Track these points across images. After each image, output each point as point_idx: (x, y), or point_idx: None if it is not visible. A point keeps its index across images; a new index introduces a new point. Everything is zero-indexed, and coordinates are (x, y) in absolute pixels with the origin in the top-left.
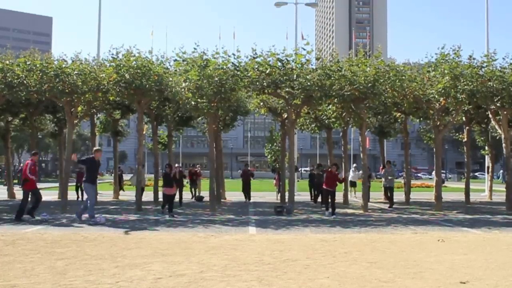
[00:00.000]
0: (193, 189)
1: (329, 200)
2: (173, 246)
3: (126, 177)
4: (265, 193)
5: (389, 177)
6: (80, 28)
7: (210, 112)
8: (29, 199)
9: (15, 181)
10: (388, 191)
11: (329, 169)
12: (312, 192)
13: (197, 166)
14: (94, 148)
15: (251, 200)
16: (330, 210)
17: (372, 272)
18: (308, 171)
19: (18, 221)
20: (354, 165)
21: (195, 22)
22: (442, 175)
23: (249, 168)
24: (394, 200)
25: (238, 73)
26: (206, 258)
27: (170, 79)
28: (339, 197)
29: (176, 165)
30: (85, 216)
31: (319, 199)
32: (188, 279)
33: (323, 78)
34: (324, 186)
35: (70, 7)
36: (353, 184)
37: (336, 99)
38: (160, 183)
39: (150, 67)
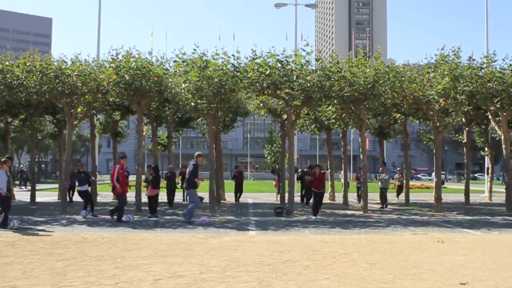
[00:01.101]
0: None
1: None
2: (173, 247)
3: (131, 178)
4: (265, 194)
5: (384, 179)
6: (80, 29)
7: (210, 113)
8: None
9: (17, 182)
10: (382, 191)
11: (313, 171)
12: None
13: None
14: (196, 153)
15: (251, 201)
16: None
17: (372, 273)
18: (299, 173)
19: (120, 222)
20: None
21: (195, 23)
22: (442, 176)
23: (240, 170)
24: (392, 201)
25: (238, 74)
26: (206, 259)
27: (170, 80)
28: (339, 197)
29: (169, 165)
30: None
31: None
32: (188, 280)
33: (323, 79)
34: (313, 189)
35: (70, 8)
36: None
37: (335, 100)
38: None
39: (150, 68)
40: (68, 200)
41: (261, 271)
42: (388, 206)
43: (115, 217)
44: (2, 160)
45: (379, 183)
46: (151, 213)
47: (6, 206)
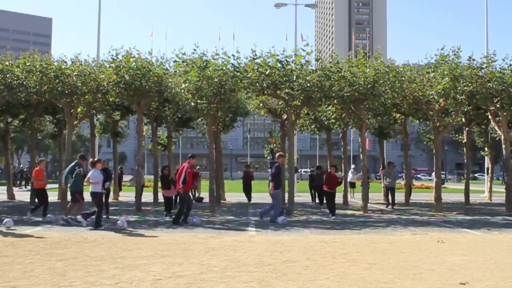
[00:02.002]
0: (192, 190)
1: (330, 201)
2: (173, 247)
3: (126, 178)
4: (265, 194)
5: (389, 179)
6: (79, 29)
7: (209, 113)
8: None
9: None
10: (390, 191)
11: (328, 171)
12: (313, 194)
13: (197, 167)
14: (278, 153)
15: (251, 201)
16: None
17: (372, 273)
18: (308, 172)
19: (176, 224)
20: (353, 166)
21: (194, 23)
22: (442, 176)
23: (250, 170)
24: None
25: (238, 74)
26: (206, 259)
27: (170, 80)
28: (339, 198)
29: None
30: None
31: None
32: (188, 280)
33: (323, 79)
34: (324, 188)
35: (70, 8)
36: (352, 185)
37: (335, 100)
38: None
39: (149, 68)
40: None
41: (261, 271)
42: (394, 207)
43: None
44: (96, 160)
45: (385, 182)
46: (168, 213)
47: (102, 204)
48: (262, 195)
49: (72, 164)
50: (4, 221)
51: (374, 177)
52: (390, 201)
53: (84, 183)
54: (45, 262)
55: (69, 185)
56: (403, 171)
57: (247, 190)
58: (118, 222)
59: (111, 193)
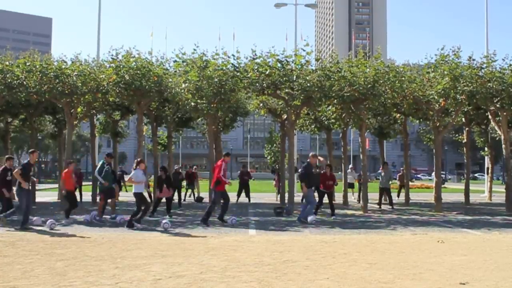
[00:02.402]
0: (190, 190)
1: (329, 201)
2: (172, 247)
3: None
4: (264, 194)
5: (384, 179)
6: (79, 29)
7: (209, 113)
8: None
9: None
10: (385, 192)
11: (323, 171)
12: None
13: (194, 167)
14: (311, 153)
15: (251, 201)
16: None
17: (371, 273)
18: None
19: (204, 224)
20: (350, 166)
21: (194, 23)
22: (442, 176)
23: (248, 170)
24: (394, 201)
25: (238, 74)
26: (206, 259)
27: (170, 80)
28: (339, 198)
29: (176, 166)
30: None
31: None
32: (187, 280)
33: (323, 79)
34: (320, 188)
35: (70, 8)
36: (351, 185)
37: (335, 100)
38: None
39: (149, 68)
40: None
41: (261, 271)
42: (393, 207)
43: (228, 221)
44: (139, 160)
45: (379, 183)
46: (169, 213)
47: (148, 204)
48: (262, 195)
49: (101, 162)
50: (48, 221)
51: (374, 177)
52: (388, 201)
53: (126, 183)
54: (45, 262)
55: (98, 184)
56: (400, 170)
57: (246, 191)
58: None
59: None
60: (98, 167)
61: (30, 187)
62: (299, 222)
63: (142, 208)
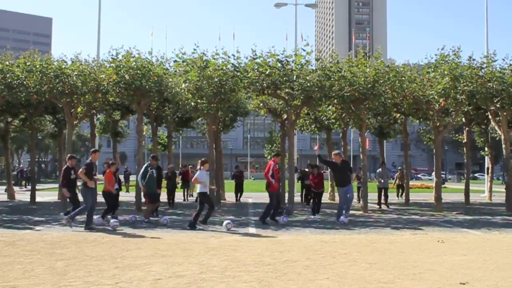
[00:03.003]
0: (185, 190)
1: (315, 200)
2: (173, 247)
3: (133, 177)
4: (265, 194)
5: (382, 179)
6: (80, 29)
7: (210, 113)
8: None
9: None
10: (383, 191)
11: (312, 172)
12: (303, 194)
13: (189, 166)
14: (334, 152)
15: (251, 201)
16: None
17: (372, 273)
18: (298, 171)
19: (263, 223)
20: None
21: (194, 22)
22: (442, 176)
23: (241, 170)
24: (392, 201)
25: (238, 74)
26: (206, 259)
27: (170, 80)
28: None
29: (170, 165)
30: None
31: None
32: (188, 280)
33: (323, 79)
34: (312, 189)
35: (70, 8)
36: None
37: (335, 100)
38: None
39: (150, 68)
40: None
41: (261, 271)
42: (389, 206)
43: (280, 220)
44: (204, 160)
45: (378, 183)
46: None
47: (212, 204)
48: (262, 195)
49: (145, 165)
50: (111, 221)
51: (374, 177)
52: (383, 201)
53: (192, 182)
54: (45, 262)
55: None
56: (398, 170)
57: (240, 190)
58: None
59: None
60: (142, 171)
61: (96, 185)
62: (343, 224)
63: (208, 208)
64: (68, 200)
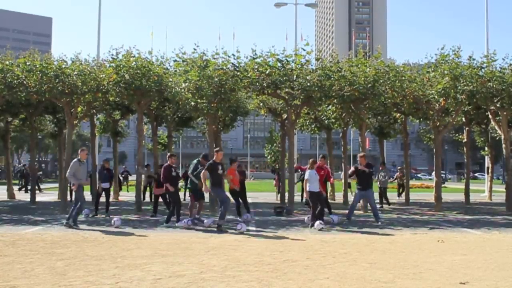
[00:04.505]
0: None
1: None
2: (173, 246)
3: (132, 178)
4: (264, 193)
5: (383, 179)
6: (80, 28)
7: (210, 113)
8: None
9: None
10: (382, 191)
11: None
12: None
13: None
14: (360, 154)
15: (251, 201)
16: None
17: (372, 272)
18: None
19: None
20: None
21: (194, 22)
22: (442, 175)
23: (242, 169)
24: (392, 201)
25: (238, 73)
26: (206, 259)
27: (170, 79)
28: (339, 197)
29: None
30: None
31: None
32: (188, 280)
33: (323, 79)
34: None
35: (70, 7)
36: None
37: (335, 100)
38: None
39: (150, 68)
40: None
41: (261, 271)
42: (390, 206)
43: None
44: (313, 160)
45: (378, 183)
46: (154, 213)
47: (322, 202)
48: (262, 194)
49: (195, 162)
50: (113, 220)
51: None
52: (384, 200)
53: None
54: (45, 262)
55: (189, 186)
56: (398, 170)
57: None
58: (113, 220)
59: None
60: (192, 167)
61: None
62: (380, 224)
63: (318, 206)
64: (167, 197)
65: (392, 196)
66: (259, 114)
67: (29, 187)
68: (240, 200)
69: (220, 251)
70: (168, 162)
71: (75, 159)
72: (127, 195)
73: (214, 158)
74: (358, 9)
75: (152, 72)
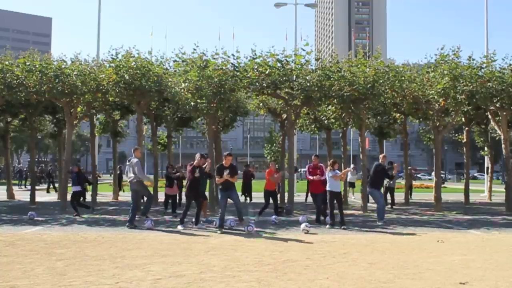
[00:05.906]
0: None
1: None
2: (172, 247)
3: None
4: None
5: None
6: (79, 28)
7: (209, 113)
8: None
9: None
10: (389, 191)
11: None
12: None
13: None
14: (382, 155)
15: (252, 201)
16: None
17: (371, 272)
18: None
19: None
20: (352, 165)
21: (194, 22)
22: (442, 176)
23: (249, 169)
24: (401, 201)
25: (238, 73)
26: (206, 259)
27: (170, 79)
28: None
29: (177, 165)
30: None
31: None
32: (187, 280)
33: (323, 79)
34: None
35: (70, 7)
36: (352, 185)
37: (335, 100)
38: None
39: (149, 68)
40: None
41: (260, 271)
42: (393, 207)
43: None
44: (334, 160)
45: (385, 183)
46: (174, 212)
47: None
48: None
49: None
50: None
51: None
52: (390, 201)
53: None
54: (45, 262)
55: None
56: (403, 170)
57: (247, 190)
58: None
59: (111, 193)
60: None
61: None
62: (381, 224)
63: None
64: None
65: (399, 196)
66: (258, 114)
67: (55, 185)
68: (271, 200)
69: (220, 251)
70: (195, 163)
71: (137, 160)
72: (127, 196)
73: (223, 162)
74: (358, 9)
75: (152, 72)
